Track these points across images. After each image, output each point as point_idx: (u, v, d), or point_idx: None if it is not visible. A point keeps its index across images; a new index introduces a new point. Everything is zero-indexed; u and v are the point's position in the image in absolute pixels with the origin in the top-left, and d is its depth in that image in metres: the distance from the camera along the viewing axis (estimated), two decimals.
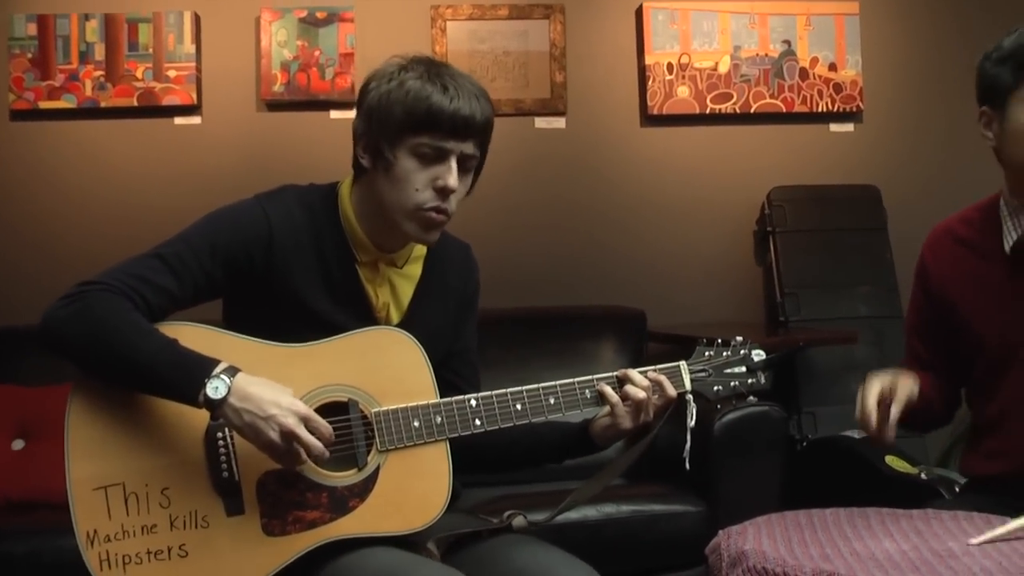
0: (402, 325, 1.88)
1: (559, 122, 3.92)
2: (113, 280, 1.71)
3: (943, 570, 1.43)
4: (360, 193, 1.87)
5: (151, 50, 3.71)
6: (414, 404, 1.79)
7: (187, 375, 1.66)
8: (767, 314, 3.94)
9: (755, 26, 3.91)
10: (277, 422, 1.65)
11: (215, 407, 1.66)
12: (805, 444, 3.41)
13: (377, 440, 1.77)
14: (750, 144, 3.97)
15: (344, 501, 1.75)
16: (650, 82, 3.87)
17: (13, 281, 3.65)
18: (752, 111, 3.92)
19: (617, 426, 1.89)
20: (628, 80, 3.95)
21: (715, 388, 1.92)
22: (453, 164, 1.80)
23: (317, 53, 3.75)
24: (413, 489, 1.77)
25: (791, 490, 2.93)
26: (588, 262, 3.91)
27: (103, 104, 3.70)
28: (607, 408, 1.89)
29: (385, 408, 1.78)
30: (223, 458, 1.72)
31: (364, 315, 1.87)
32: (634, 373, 1.88)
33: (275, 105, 3.78)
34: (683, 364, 1.92)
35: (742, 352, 1.95)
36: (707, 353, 1.95)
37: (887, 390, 1.93)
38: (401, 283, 1.92)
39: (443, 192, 1.80)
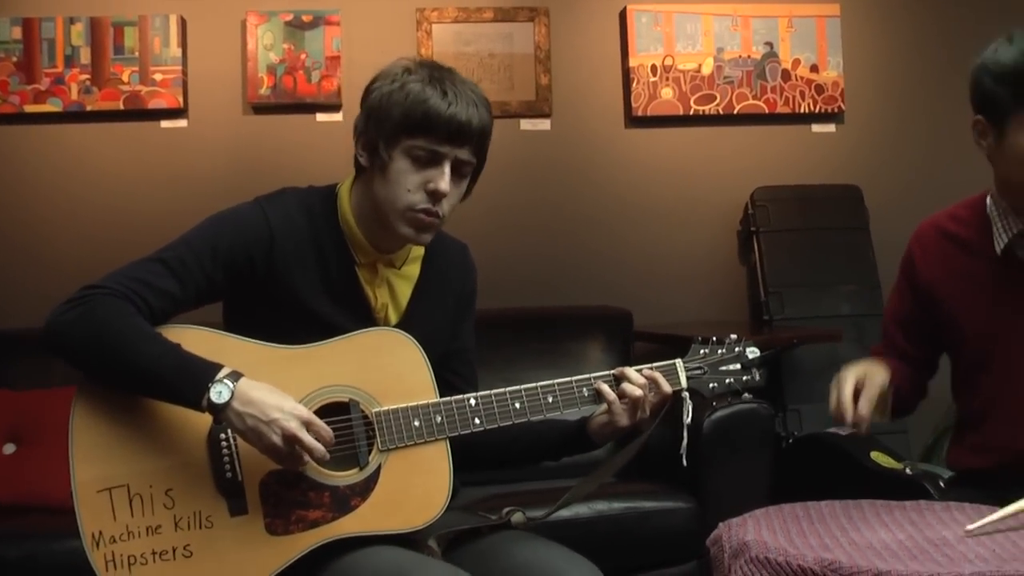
0: (400, 325, 1.90)
1: (544, 124, 3.94)
2: (116, 284, 1.72)
3: (939, 558, 1.47)
4: (358, 193, 1.90)
5: (137, 53, 3.71)
6: (414, 404, 1.82)
7: (190, 380, 1.68)
8: (751, 313, 3.98)
9: (738, 28, 3.95)
10: (279, 426, 1.67)
11: (218, 411, 1.68)
12: (791, 441, 3.45)
13: (378, 440, 1.79)
14: (733, 145, 4.01)
15: (346, 500, 1.76)
16: (634, 84, 3.90)
17: (0, 285, 3.65)
18: (735, 112, 3.95)
19: (614, 423, 1.92)
20: (612, 82, 3.98)
21: (711, 385, 1.95)
22: (446, 169, 1.82)
23: (303, 56, 3.76)
24: (414, 488, 1.80)
25: (778, 486, 2.97)
26: (574, 263, 3.94)
27: (89, 108, 3.70)
28: (604, 406, 1.92)
29: (386, 408, 1.80)
30: (226, 459, 1.73)
31: (363, 316, 1.89)
32: (630, 371, 1.91)
33: (261, 108, 3.79)
34: (679, 362, 1.95)
35: (736, 350, 1.98)
36: (702, 351, 1.98)
37: (861, 381, 1.96)
38: (399, 284, 1.94)
39: (434, 195, 1.82)
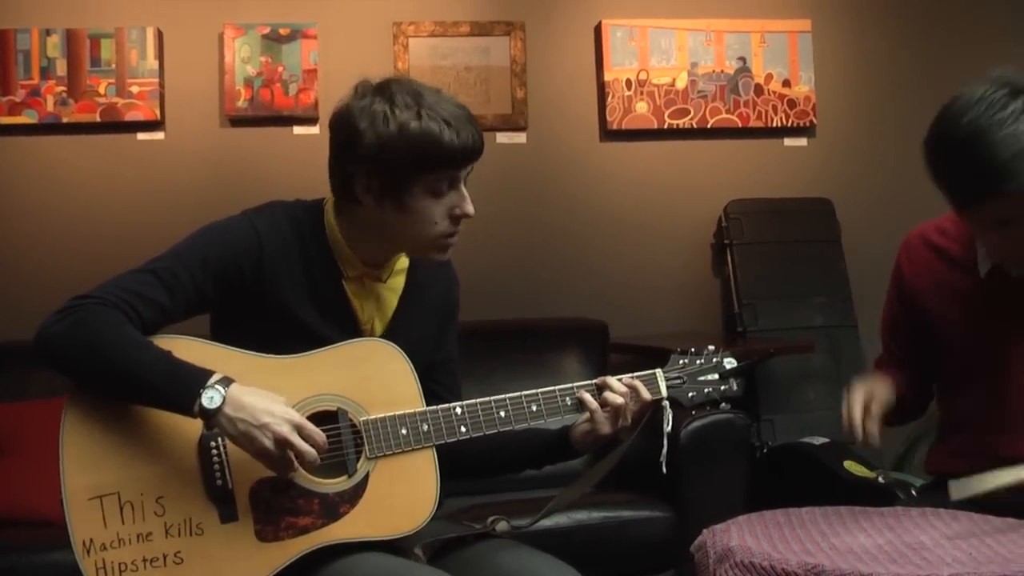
0: (386, 336, 1.92)
1: (520, 137, 3.98)
2: (106, 294, 1.74)
3: (918, 561, 1.51)
4: (351, 218, 1.90)
5: (114, 66, 3.72)
6: (401, 412, 1.84)
7: (182, 386, 1.70)
8: (725, 324, 4.03)
9: (711, 43, 4.01)
10: (271, 430, 1.69)
11: (210, 417, 1.69)
12: (765, 451, 3.49)
13: (366, 448, 1.81)
14: (707, 158, 4.06)
15: (335, 507, 1.78)
16: (609, 98, 3.95)
17: None
18: (709, 126, 4.01)
19: (596, 431, 1.95)
20: (587, 96, 4.02)
21: (689, 395, 1.99)
22: (465, 191, 1.86)
23: (280, 69, 3.78)
24: (401, 495, 1.82)
25: (753, 496, 3.00)
26: (550, 275, 3.98)
27: (65, 120, 3.70)
28: (587, 414, 1.95)
29: (373, 416, 1.83)
30: (216, 466, 1.75)
31: (350, 328, 1.91)
32: (612, 380, 1.94)
33: (238, 121, 3.80)
34: (659, 371, 1.99)
35: (715, 360, 2.02)
36: (681, 361, 2.01)
37: (868, 399, 2.01)
38: (386, 296, 1.97)
39: (461, 218, 1.87)
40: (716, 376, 2.02)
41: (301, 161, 3.76)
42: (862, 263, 3.85)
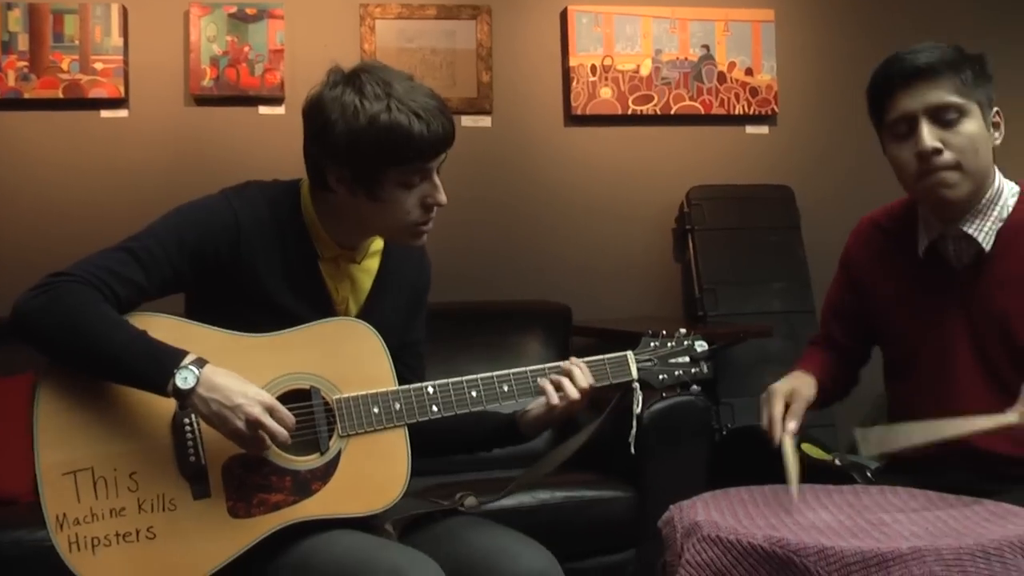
0: (360, 317, 1.95)
1: (485, 121, 4.00)
2: (83, 272, 1.75)
3: (878, 535, 1.56)
4: (326, 203, 1.91)
5: (77, 42, 3.68)
6: (374, 391, 1.87)
7: (157, 365, 1.71)
8: (685, 309, 4.08)
9: (676, 31, 4.05)
10: (244, 411, 1.71)
11: (184, 396, 1.71)
12: (725, 433, 3.55)
13: (338, 426, 1.84)
14: (670, 145, 4.10)
15: (307, 484, 1.81)
16: (574, 83, 3.97)
17: None
18: (672, 113, 4.05)
19: (549, 417, 1.99)
20: (552, 81, 4.05)
21: (660, 377, 2.03)
22: (437, 180, 1.88)
23: (247, 49, 3.76)
24: (373, 472, 1.84)
25: (713, 478, 3.05)
26: (514, 258, 4.01)
27: (27, 95, 3.66)
28: (543, 399, 1.97)
29: (346, 395, 1.85)
30: (190, 443, 1.77)
31: (325, 309, 1.93)
32: (577, 369, 1.96)
33: (204, 100, 3.78)
34: (630, 354, 2.02)
35: (686, 343, 2.05)
36: (652, 344, 2.05)
37: (788, 399, 2.06)
38: (360, 277, 1.99)
39: (433, 207, 1.88)
40: (687, 359, 2.06)
41: (266, 141, 3.76)
42: (820, 250, 3.90)
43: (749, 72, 4.10)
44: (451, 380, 1.91)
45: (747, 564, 1.54)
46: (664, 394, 2.05)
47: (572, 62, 3.97)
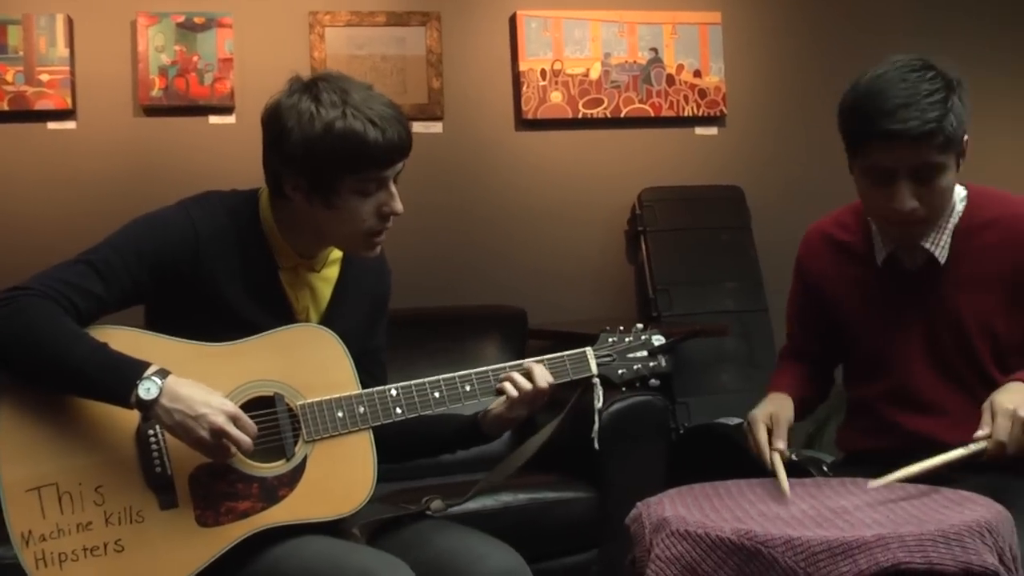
0: (321, 324, 1.95)
1: (436, 127, 4.00)
2: (41, 285, 1.73)
3: (842, 524, 1.60)
4: (284, 211, 1.91)
5: (21, 53, 3.63)
6: (337, 396, 1.87)
7: (119, 378, 1.70)
8: (640, 310, 4.10)
9: (624, 34, 4.09)
10: (208, 420, 1.71)
11: (147, 408, 1.70)
12: (681, 432, 3.58)
13: (303, 431, 1.84)
14: (621, 147, 4.13)
15: (274, 491, 1.80)
16: (524, 88, 3.99)
17: None
18: (622, 115, 4.08)
19: (510, 416, 2.01)
20: (503, 86, 4.06)
21: (619, 371, 2.05)
22: (394, 189, 1.88)
23: (195, 58, 3.74)
24: (339, 477, 1.85)
25: (672, 477, 3.08)
26: (468, 263, 4.01)
27: None
28: (503, 398, 1.99)
29: (310, 400, 1.85)
30: (155, 454, 1.76)
31: (285, 319, 1.93)
32: (536, 369, 1.98)
33: (153, 110, 3.75)
34: (589, 350, 2.04)
35: (643, 337, 2.08)
36: (610, 339, 2.07)
37: (769, 424, 2.08)
38: (320, 286, 1.99)
39: (389, 216, 1.89)
40: (645, 353, 2.08)
41: (217, 151, 3.73)
42: (771, 249, 3.96)
43: (697, 74, 4.14)
44: (414, 382, 1.93)
45: (716, 556, 1.56)
46: (624, 389, 2.06)
47: (522, 67, 3.99)
